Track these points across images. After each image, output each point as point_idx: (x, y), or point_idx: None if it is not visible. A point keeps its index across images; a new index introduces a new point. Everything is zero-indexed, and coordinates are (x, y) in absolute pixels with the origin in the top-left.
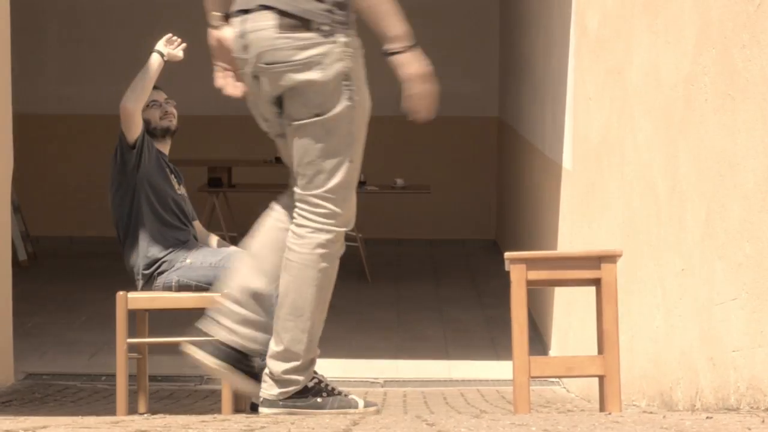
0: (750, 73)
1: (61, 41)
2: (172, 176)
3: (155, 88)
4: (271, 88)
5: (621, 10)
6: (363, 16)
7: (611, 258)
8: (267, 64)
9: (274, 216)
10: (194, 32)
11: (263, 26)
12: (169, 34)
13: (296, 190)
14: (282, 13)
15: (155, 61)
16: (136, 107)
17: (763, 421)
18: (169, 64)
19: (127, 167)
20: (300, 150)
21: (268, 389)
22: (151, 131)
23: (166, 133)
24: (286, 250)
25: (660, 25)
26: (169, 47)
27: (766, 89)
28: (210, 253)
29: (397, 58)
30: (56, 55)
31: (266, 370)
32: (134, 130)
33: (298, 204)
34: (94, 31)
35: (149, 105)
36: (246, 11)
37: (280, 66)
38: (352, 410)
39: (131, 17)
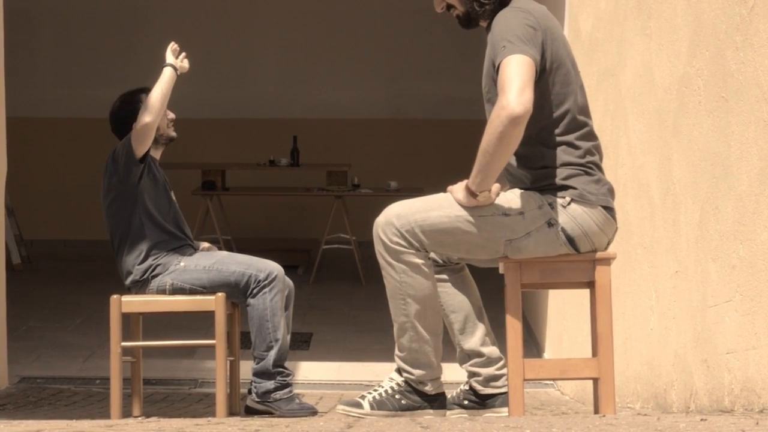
0: (743, 75)
1: (54, 45)
2: (167, 185)
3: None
4: None
5: (614, 12)
6: None
7: (605, 260)
8: None
9: None
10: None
11: None
12: (173, 44)
13: None
14: None
15: (169, 74)
16: (155, 122)
17: (757, 423)
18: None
19: (131, 179)
20: None
21: None
22: (156, 138)
23: (170, 141)
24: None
25: (653, 28)
26: (176, 58)
27: (759, 91)
28: (203, 257)
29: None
30: (49, 59)
31: None
32: (146, 144)
33: None
34: (87, 35)
35: None
36: None
37: None
38: None
39: (123, 21)
